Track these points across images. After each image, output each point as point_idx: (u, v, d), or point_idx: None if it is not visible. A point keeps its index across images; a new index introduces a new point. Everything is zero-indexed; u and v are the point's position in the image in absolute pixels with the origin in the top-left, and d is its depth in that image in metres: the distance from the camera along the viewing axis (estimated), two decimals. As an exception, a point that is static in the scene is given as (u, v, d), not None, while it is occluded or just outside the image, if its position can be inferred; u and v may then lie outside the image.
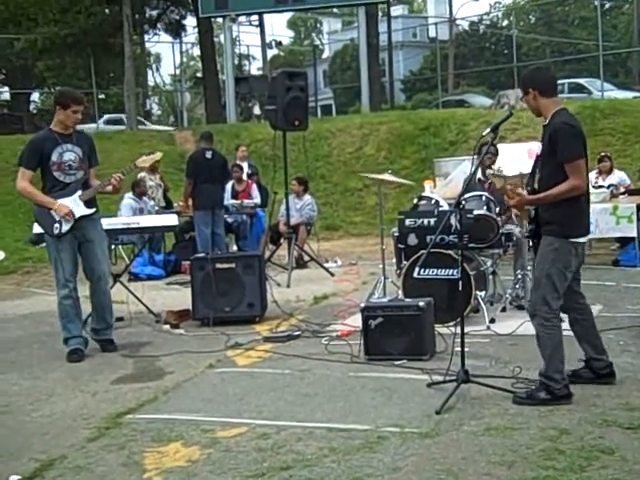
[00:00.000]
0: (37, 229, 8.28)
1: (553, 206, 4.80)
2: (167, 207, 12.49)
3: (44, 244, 12.75)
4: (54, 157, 6.48)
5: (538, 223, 4.96)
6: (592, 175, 11.68)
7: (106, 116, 28.29)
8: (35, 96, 36.43)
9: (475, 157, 5.64)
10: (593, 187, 11.25)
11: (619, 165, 12.39)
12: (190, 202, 10.92)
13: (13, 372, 6.33)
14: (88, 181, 6.66)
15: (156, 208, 11.96)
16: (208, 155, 10.69)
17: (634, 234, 10.03)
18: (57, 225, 6.49)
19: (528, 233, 5.02)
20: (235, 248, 12.06)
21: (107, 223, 7.82)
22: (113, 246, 11.14)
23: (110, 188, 6.69)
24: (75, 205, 6.52)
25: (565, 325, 5.03)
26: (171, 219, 9.24)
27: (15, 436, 4.77)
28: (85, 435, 4.69)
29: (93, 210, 6.63)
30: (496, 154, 8.64)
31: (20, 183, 6.56)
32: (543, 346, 4.84)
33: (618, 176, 11.54)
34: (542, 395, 4.76)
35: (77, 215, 6.52)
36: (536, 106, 4.94)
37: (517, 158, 11.57)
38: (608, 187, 11.10)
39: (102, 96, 30.33)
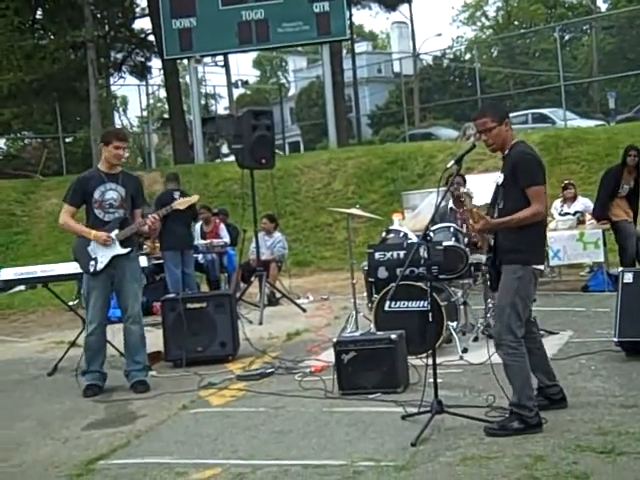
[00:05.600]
0: (5, 275, 8.22)
1: (515, 234, 4.85)
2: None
3: (13, 290, 12.75)
4: (96, 195, 6.69)
5: (496, 252, 5.01)
6: (557, 203, 11.83)
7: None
8: (1, 142, 36.18)
9: (441, 188, 5.67)
10: (559, 215, 11.40)
11: (584, 192, 12.53)
12: (157, 243, 10.89)
13: (-18, 421, 6.21)
14: (128, 220, 6.78)
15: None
16: (176, 196, 10.61)
17: (601, 259, 10.15)
18: (92, 262, 6.68)
19: (486, 262, 5.06)
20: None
21: (75, 267, 7.75)
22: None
23: (146, 228, 6.88)
24: (111, 244, 6.67)
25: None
26: (140, 261, 9.19)
27: (-15, 487, 4.69)
28: (57, 483, 4.61)
29: (128, 250, 6.74)
30: (463, 183, 8.75)
31: (61, 217, 6.83)
32: (513, 375, 4.84)
33: (583, 203, 11.67)
34: (515, 425, 4.75)
35: (112, 254, 6.66)
36: (505, 137, 4.96)
37: (485, 188, 11.68)
38: (574, 214, 11.22)
39: (69, 140, 30.23)
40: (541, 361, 5.16)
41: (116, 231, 6.69)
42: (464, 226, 8.02)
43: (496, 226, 4.93)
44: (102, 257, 6.65)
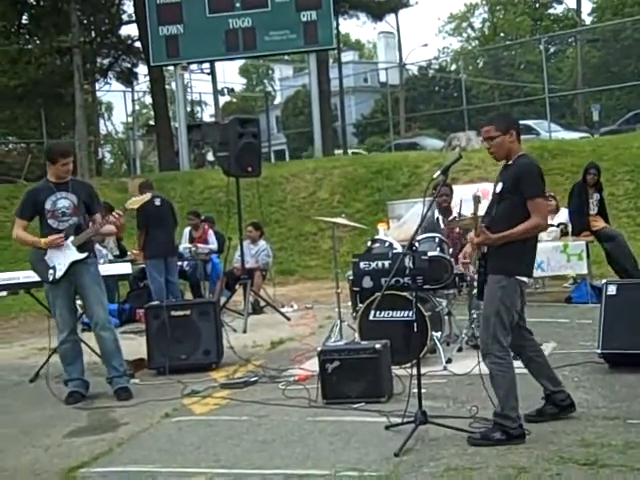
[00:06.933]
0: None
1: (503, 244, 4.85)
2: (121, 255, 12.37)
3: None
4: (48, 205, 6.66)
5: (486, 261, 5.01)
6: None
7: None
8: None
9: (427, 198, 5.68)
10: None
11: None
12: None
13: (-38, 429, 6.15)
14: (82, 226, 6.71)
15: (109, 257, 11.84)
16: (157, 202, 10.59)
17: (585, 271, 10.20)
18: (51, 271, 6.64)
19: (478, 270, 5.06)
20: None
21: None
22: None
23: (113, 227, 6.88)
24: (67, 250, 6.61)
25: (518, 363, 5.07)
26: (124, 267, 9.17)
27: (-36, 495, 4.65)
28: (37, 491, 4.57)
29: (85, 255, 6.68)
30: (450, 194, 8.76)
31: (14, 231, 6.83)
32: (498, 385, 4.86)
33: (566, 214, 11.71)
34: (497, 436, 4.76)
35: (70, 260, 6.61)
36: (510, 147, 4.95)
37: (470, 199, 11.72)
38: (557, 226, 11.25)
39: (54, 145, 30.08)
40: (543, 368, 5.18)
41: (72, 237, 6.63)
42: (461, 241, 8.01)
43: (495, 241, 4.85)
44: (60, 265, 6.61)
